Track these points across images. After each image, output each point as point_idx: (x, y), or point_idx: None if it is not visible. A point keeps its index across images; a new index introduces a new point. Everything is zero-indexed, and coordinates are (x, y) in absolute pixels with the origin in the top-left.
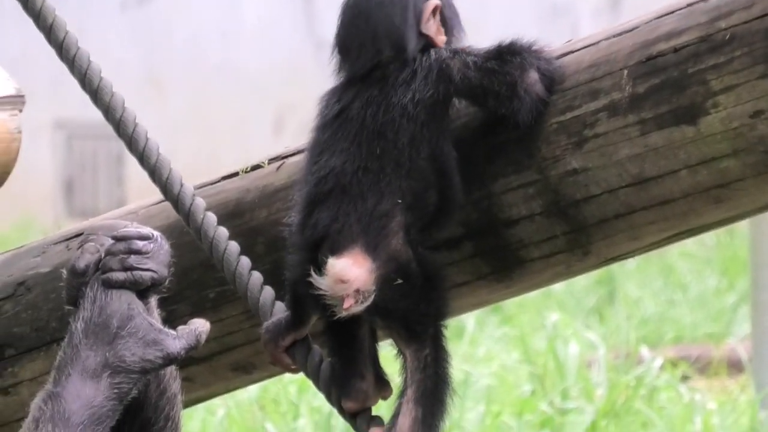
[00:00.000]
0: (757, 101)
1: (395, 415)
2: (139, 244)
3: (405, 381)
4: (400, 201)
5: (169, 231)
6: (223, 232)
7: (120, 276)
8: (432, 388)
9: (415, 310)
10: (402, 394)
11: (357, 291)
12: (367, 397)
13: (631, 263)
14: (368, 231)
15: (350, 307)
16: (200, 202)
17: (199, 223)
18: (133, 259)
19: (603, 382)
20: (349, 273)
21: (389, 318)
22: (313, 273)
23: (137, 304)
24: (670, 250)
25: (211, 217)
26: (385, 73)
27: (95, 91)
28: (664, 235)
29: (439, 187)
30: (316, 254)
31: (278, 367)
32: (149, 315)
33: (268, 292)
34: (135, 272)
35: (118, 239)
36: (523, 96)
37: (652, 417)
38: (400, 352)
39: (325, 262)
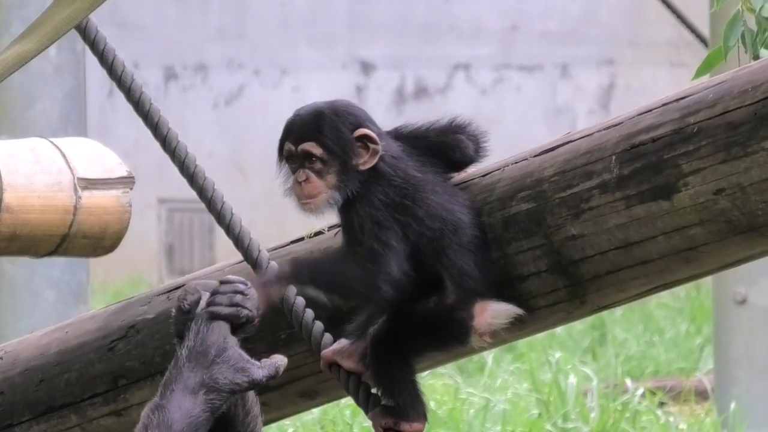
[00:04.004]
0: (719, 181)
1: None
2: (241, 287)
3: None
4: None
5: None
6: (292, 288)
7: (225, 310)
8: None
9: None
10: None
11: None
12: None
13: (618, 311)
14: None
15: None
16: (274, 264)
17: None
18: (237, 298)
19: (596, 407)
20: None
21: None
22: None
23: (231, 338)
24: (649, 301)
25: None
26: None
27: (191, 176)
28: (645, 288)
29: None
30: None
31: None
32: (239, 348)
33: (328, 337)
34: (238, 308)
35: (224, 282)
36: None
37: None
38: None
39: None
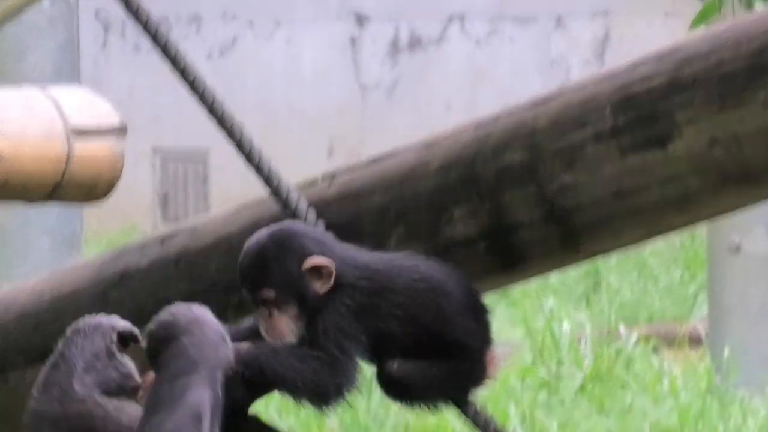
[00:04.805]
0: (714, 131)
1: None
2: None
3: None
4: None
5: (245, 234)
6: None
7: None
8: None
9: None
10: None
11: None
12: None
13: (612, 258)
14: None
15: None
16: (304, 202)
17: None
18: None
19: (589, 353)
20: None
21: None
22: None
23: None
24: (643, 248)
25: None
26: None
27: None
28: (639, 236)
29: None
30: None
31: None
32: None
33: None
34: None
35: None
36: None
37: (629, 381)
38: None
39: None
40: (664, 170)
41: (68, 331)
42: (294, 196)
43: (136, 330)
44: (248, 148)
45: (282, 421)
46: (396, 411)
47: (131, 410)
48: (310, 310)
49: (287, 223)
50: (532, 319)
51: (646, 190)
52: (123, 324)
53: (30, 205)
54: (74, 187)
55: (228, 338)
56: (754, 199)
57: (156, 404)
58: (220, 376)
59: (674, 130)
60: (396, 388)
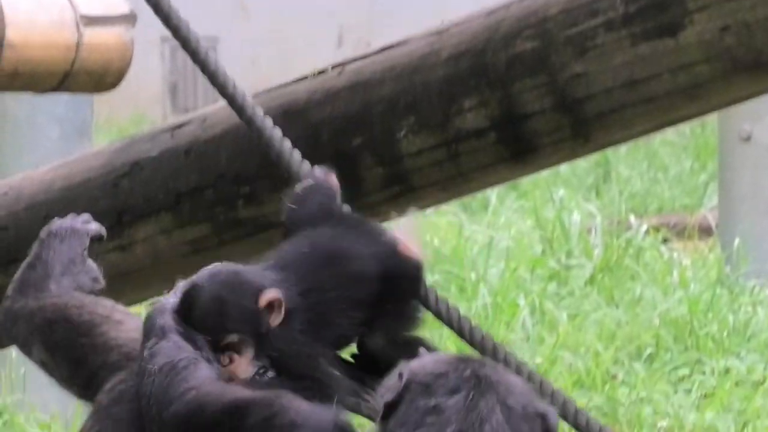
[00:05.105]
0: (725, 18)
1: None
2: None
3: None
4: None
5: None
6: (267, 122)
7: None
8: None
9: None
10: None
11: None
12: None
13: (622, 148)
14: None
15: None
16: (259, 110)
17: (259, 124)
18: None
19: (599, 244)
20: None
21: None
22: None
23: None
24: (654, 138)
25: (268, 121)
26: None
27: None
28: (649, 126)
29: None
30: None
31: None
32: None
33: (306, 165)
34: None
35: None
36: None
37: (638, 271)
38: None
39: None
40: (675, 58)
41: (43, 233)
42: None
43: (104, 231)
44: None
45: None
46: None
47: (107, 302)
48: (266, 346)
49: (222, 265)
50: (542, 210)
51: (657, 79)
52: (95, 228)
53: (40, 95)
54: (84, 75)
55: None
56: (766, 87)
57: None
58: (173, 320)
59: (685, 18)
60: (378, 358)
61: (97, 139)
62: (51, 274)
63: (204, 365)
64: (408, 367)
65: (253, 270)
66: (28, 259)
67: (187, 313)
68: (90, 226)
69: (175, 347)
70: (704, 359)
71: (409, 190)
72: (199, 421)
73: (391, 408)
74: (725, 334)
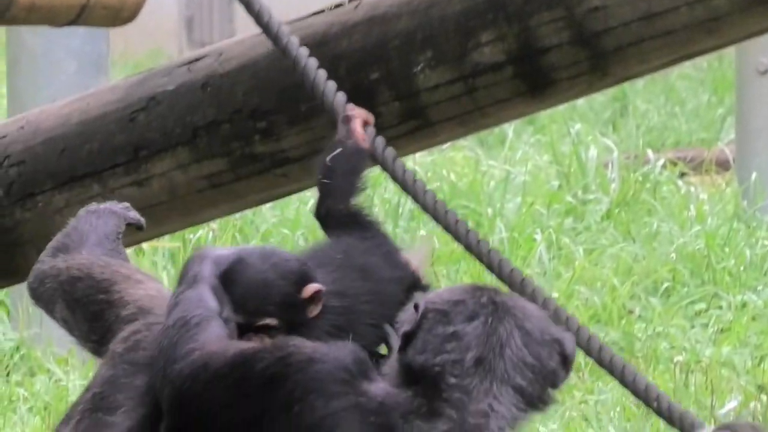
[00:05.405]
0: None
1: None
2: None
3: None
4: None
5: (271, 58)
6: (314, 61)
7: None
8: None
9: None
10: None
11: None
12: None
13: (639, 82)
14: None
15: None
16: (295, 39)
17: (295, 54)
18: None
19: (616, 178)
20: None
21: None
22: None
23: None
24: (671, 72)
25: (304, 50)
26: None
27: None
28: (667, 59)
29: None
30: None
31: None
32: None
33: (350, 106)
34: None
35: None
36: None
37: (655, 206)
38: None
39: None
40: None
41: (82, 211)
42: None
43: (143, 221)
44: None
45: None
46: (422, 237)
47: (132, 265)
48: (295, 335)
49: (271, 248)
50: (558, 145)
51: (675, 12)
52: (134, 215)
53: (57, 28)
54: (101, 9)
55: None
56: None
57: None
58: (208, 270)
59: None
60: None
61: (114, 74)
62: (84, 244)
63: (216, 324)
64: (424, 298)
65: (298, 259)
66: (64, 230)
67: (228, 285)
68: (129, 213)
69: (197, 299)
70: (721, 294)
71: (427, 125)
72: (204, 378)
73: (409, 338)
74: (742, 268)
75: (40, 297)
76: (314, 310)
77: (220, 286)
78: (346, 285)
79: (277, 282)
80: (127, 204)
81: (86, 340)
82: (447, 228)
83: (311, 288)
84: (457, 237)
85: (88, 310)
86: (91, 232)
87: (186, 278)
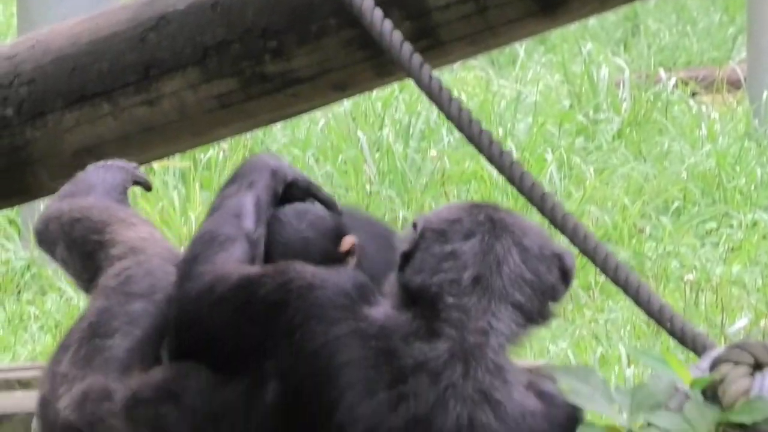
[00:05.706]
0: None
1: None
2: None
3: None
4: None
5: None
6: None
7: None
8: None
9: None
10: None
11: None
12: None
13: (651, 1)
14: None
15: None
16: None
17: None
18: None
19: (628, 97)
20: None
21: None
22: None
23: None
24: None
25: None
26: None
27: None
28: None
29: None
30: None
31: None
32: None
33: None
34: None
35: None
36: None
37: (666, 125)
38: None
39: None
40: None
41: (90, 165)
42: None
43: (150, 182)
44: None
45: (319, 168)
46: (432, 157)
47: (131, 210)
48: None
49: (306, 205)
50: (570, 64)
51: None
52: (142, 174)
53: None
54: None
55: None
56: None
57: (206, 215)
58: (264, 181)
59: None
60: None
61: None
62: (91, 192)
63: (240, 246)
64: (422, 217)
65: (331, 214)
66: (72, 179)
67: (267, 245)
68: (137, 171)
69: (236, 211)
70: (731, 213)
71: (437, 44)
72: (209, 301)
73: (407, 258)
74: (753, 187)
75: (44, 239)
76: (351, 262)
77: (267, 200)
78: (371, 250)
79: (316, 239)
80: (135, 164)
81: (80, 279)
82: (470, 139)
83: (348, 241)
84: (479, 148)
85: (83, 250)
86: (98, 183)
87: (240, 180)
